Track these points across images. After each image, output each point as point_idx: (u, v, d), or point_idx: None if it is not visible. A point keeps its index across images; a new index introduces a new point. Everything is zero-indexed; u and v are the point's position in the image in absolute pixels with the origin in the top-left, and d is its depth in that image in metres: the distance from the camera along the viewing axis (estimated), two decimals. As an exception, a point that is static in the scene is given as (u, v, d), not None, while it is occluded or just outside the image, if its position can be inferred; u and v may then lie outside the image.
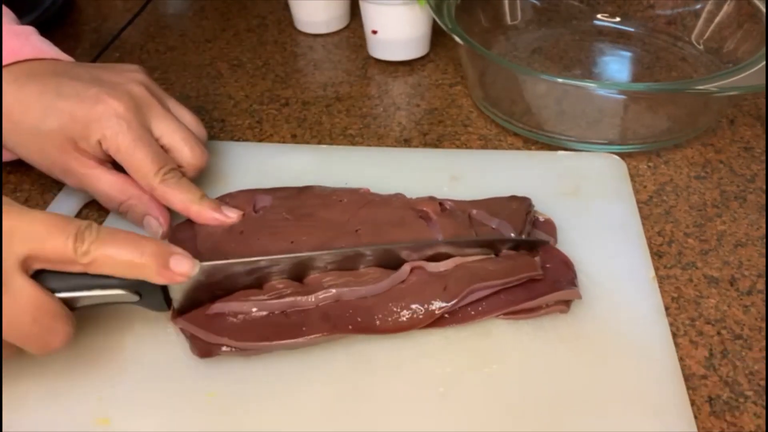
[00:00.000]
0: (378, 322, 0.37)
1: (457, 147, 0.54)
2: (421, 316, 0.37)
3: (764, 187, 0.50)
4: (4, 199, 0.33)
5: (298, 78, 0.64)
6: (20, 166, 0.47)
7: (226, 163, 0.51)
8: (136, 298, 0.36)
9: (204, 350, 0.37)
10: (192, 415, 0.35)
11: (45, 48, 0.46)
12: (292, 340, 0.37)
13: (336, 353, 0.38)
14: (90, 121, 0.41)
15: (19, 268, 0.32)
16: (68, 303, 0.34)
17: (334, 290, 0.38)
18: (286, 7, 0.72)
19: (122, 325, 0.39)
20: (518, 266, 0.39)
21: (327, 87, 0.63)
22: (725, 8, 0.60)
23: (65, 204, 0.48)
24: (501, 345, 0.38)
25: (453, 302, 0.37)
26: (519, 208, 0.44)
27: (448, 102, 0.60)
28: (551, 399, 0.35)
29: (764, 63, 0.48)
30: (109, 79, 0.44)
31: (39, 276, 0.33)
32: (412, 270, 0.39)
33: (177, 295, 0.37)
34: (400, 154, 0.53)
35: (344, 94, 0.61)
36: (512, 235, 0.42)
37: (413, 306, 0.37)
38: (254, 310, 0.38)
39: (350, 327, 0.37)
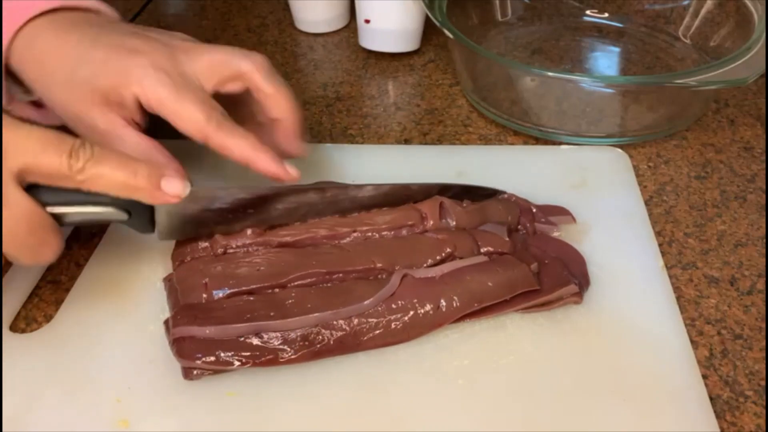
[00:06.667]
0: (365, 339, 0.37)
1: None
2: (411, 333, 0.37)
3: (764, 187, 0.50)
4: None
5: (298, 78, 0.64)
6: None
7: (230, 163, 0.51)
8: (125, 216, 0.36)
9: (183, 372, 0.36)
10: (212, 415, 0.35)
11: None
12: (270, 366, 0.36)
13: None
14: (125, 72, 0.38)
15: (14, 180, 0.32)
16: (57, 218, 0.34)
17: (315, 314, 0.36)
18: (286, 7, 0.73)
19: (138, 326, 0.39)
20: (516, 282, 0.38)
21: (327, 87, 0.63)
22: (712, 2, 0.61)
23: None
24: (516, 337, 0.38)
25: (447, 322, 0.37)
26: (505, 209, 0.44)
27: (448, 102, 0.60)
28: (569, 387, 0.36)
29: (745, 58, 0.48)
30: (151, 35, 0.41)
31: (31, 189, 0.33)
32: (400, 280, 0.38)
33: (162, 218, 0.38)
34: (406, 151, 0.53)
35: (344, 93, 0.61)
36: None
37: (404, 321, 0.37)
38: (208, 331, 0.35)
39: (335, 350, 0.36)
